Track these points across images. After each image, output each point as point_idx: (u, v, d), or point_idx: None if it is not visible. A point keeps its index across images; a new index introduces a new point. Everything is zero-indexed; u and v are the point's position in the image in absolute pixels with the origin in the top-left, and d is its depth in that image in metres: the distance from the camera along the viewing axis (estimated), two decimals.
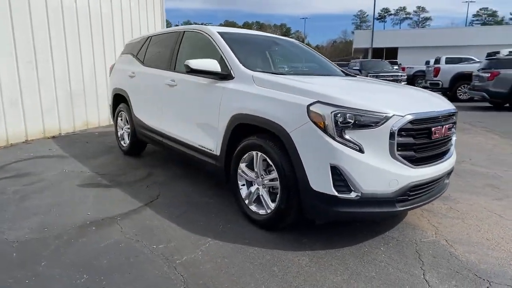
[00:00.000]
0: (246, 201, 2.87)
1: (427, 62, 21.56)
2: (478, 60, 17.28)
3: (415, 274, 2.20)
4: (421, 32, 37.77)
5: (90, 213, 3.00)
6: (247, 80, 2.88)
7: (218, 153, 3.08)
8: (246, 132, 2.86)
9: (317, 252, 2.45)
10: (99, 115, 7.23)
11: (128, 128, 4.79)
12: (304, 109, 2.35)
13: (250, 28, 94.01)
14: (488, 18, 71.08)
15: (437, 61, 19.99)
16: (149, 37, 4.63)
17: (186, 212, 3.07)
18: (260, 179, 2.74)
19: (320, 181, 2.28)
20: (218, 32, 3.44)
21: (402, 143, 2.35)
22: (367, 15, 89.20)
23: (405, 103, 2.54)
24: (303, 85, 2.55)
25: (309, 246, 2.51)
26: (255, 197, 2.81)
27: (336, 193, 2.25)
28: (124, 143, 4.99)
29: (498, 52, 13.35)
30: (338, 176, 2.25)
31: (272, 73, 3.04)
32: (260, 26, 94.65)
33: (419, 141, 2.45)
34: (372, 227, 2.81)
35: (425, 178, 2.47)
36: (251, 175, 2.81)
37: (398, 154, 2.33)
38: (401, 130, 2.32)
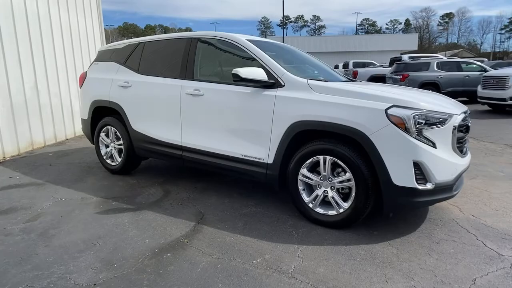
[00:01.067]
0: (311, 205, 2.97)
1: (336, 66, 23.90)
2: (379, 64, 19.92)
3: (479, 245, 2.63)
4: (321, 38, 41.66)
5: (148, 241, 2.71)
6: (302, 87, 2.98)
7: (270, 161, 3.10)
8: (304, 138, 2.96)
9: (394, 241, 2.70)
10: (43, 132, 6.28)
11: (120, 144, 4.35)
12: (382, 113, 2.58)
13: (154, 31, 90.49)
14: (370, 28, 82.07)
15: (346, 65, 22.43)
16: (139, 43, 4.28)
17: (247, 223, 3.01)
18: (328, 182, 2.87)
19: (403, 177, 2.54)
20: (249, 40, 3.44)
21: (457, 138, 2.77)
22: (271, 22, 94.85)
23: (447, 104, 2.98)
24: (369, 91, 2.78)
25: (385, 237, 2.75)
26: (320, 199, 2.93)
27: (417, 186, 2.54)
28: (113, 161, 4.50)
29: (400, 58, 15.65)
30: (419, 170, 2.54)
31: (321, 80, 3.19)
32: (165, 30, 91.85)
33: (462, 135, 2.91)
34: (412, 215, 3.19)
35: (465, 166, 2.94)
36: (316, 179, 2.93)
37: (456, 147, 2.74)
38: (458, 126, 2.74)
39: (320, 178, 2.91)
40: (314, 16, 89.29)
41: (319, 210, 2.94)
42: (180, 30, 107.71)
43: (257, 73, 3.06)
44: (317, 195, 2.94)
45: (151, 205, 3.45)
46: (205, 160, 3.57)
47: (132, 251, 2.56)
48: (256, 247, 2.59)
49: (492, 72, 9.88)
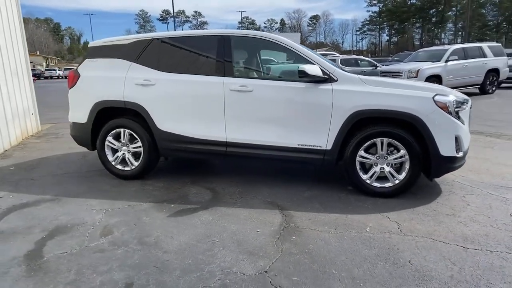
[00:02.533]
0: (368, 181, 3.52)
1: None
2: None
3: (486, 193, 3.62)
4: None
5: (260, 230, 2.84)
6: (355, 81, 3.48)
7: (328, 148, 3.52)
8: (359, 125, 3.48)
9: (436, 200, 3.47)
10: None
11: (138, 147, 4.07)
12: (431, 100, 3.30)
13: None
14: (250, 26, 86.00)
15: None
16: (153, 39, 4.06)
17: (321, 204, 3.38)
18: (384, 160, 3.47)
19: (447, 148, 3.32)
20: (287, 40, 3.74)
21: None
22: (150, 15, 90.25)
23: (453, 91, 3.89)
24: (410, 83, 3.46)
25: (429, 198, 3.50)
26: (377, 175, 3.51)
27: (456, 154, 3.36)
28: (126, 166, 4.17)
29: None
30: (457, 142, 3.36)
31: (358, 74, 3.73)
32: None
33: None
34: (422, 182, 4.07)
35: None
36: (373, 158, 3.49)
37: (468, 124, 3.67)
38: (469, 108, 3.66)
39: (376, 157, 3.49)
40: (196, 12, 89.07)
41: (376, 184, 3.52)
42: (38, 20, 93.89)
43: (316, 70, 3.43)
44: (375, 172, 3.51)
45: (215, 202, 3.47)
46: (253, 153, 3.74)
47: (260, 240, 2.68)
48: (354, 220, 3.01)
49: (389, 67, 12.07)
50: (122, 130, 4.10)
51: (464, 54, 11.71)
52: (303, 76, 3.41)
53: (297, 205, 3.35)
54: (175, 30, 33.60)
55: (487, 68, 12.04)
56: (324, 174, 4.24)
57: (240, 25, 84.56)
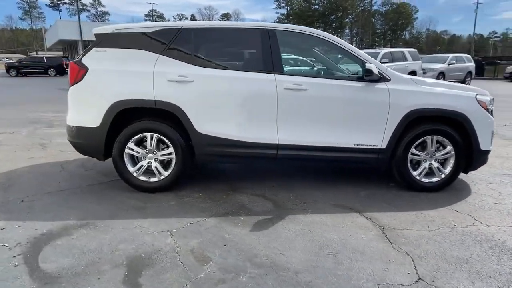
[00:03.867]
0: (418, 177, 3.65)
1: None
2: None
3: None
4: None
5: (373, 232, 2.70)
6: (406, 81, 3.57)
7: (384, 146, 3.55)
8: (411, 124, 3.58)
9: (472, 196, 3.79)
10: None
11: (169, 154, 3.48)
12: (474, 99, 3.57)
13: None
14: (158, 19, 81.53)
15: None
16: (182, 29, 3.50)
17: (389, 203, 3.38)
18: (432, 156, 3.63)
19: (486, 143, 3.64)
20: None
21: None
22: (37, 1, 78.96)
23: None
24: (451, 83, 3.69)
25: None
26: (427, 171, 3.66)
27: (490, 148, 3.71)
28: (152, 176, 3.54)
29: None
30: (491, 137, 3.71)
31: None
32: None
33: None
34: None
35: None
36: (422, 154, 3.63)
37: None
38: None
39: (425, 154, 3.64)
40: (94, 0, 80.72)
41: (425, 179, 3.67)
42: None
43: (374, 69, 3.41)
44: (424, 168, 3.66)
45: (282, 210, 3.19)
46: (306, 155, 3.56)
47: (378, 247, 2.55)
48: (433, 216, 3.09)
49: None
50: (149, 134, 3.46)
51: (391, 57, 13.12)
52: (368, 75, 3.36)
53: (367, 206, 3.29)
54: (71, 18, 29.96)
55: (408, 71, 13.70)
56: (353, 172, 4.26)
57: (147, 18, 79.95)
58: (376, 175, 4.18)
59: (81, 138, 3.51)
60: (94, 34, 3.53)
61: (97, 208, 3.19)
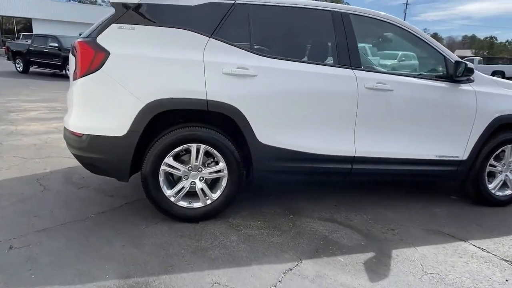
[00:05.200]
0: (494, 190, 3.27)
1: None
2: None
3: None
4: (57, 4, 32.94)
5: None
6: (489, 82, 3.13)
7: (465, 158, 3.09)
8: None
9: None
10: None
11: (219, 171, 2.62)
12: None
13: None
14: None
15: None
16: (235, 4, 2.61)
17: (476, 222, 2.92)
18: (508, 167, 3.27)
19: None
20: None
21: None
22: None
23: None
24: None
25: None
26: (501, 184, 3.29)
27: None
28: (195, 200, 2.65)
29: None
30: None
31: None
32: None
33: None
34: None
35: None
36: (499, 165, 3.24)
37: None
38: None
39: (502, 164, 3.26)
40: None
41: (499, 193, 3.30)
42: None
43: (472, 67, 2.91)
44: (501, 180, 3.28)
45: (375, 241, 2.55)
46: (384, 170, 2.96)
47: None
48: None
49: None
50: (194, 146, 2.55)
51: None
52: (461, 74, 2.85)
53: (462, 230, 2.80)
54: None
55: None
56: (397, 184, 3.78)
57: None
58: (420, 187, 3.75)
59: (97, 152, 2.46)
60: (112, 3, 2.48)
61: (137, 253, 2.23)
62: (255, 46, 2.63)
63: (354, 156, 2.84)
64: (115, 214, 2.76)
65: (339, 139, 2.80)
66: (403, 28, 2.98)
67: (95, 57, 2.36)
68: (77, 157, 2.55)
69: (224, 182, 2.68)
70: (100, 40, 2.40)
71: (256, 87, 2.57)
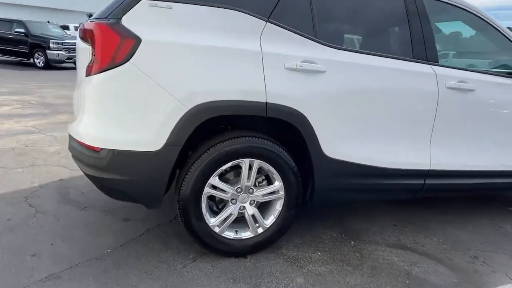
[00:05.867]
0: None
1: (65, 27, 19.49)
2: None
3: None
4: None
5: None
6: None
7: None
8: None
9: None
10: None
11: (274, 192, 2.07)
12: None
13: None
14: None
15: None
16: None
17: None
18: None
19: None
20: None
21: None
22: None
23: None
24: None
25: None
26: None
27: None
28: (244, 229, 2.10)
29: None
30: None
31: None
32: None
33: None
34: None
35: None
36: None
37: None
38: None
39: None
40: None
41: None
42: None
43: None
44: None
45: (472, 281, 2.10)
46: (457, 185, 2.52)
47: None
48: None
49: None
50: (247, 162, 1.98)
51: None
52: None
53: None
54: None
55: None
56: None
57: None
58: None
59: (121, 172, 1.83)
60: None
61: None
62: (320, 34, 2.07)
63: (428, 170, 2.37)
64: (138, 248, 2.15)
65: (414, 150, 2.32)
66: (478, 17, 2.52)
67: (121, 45, 1.72)
68: (92, 178, 1.91)
69: (279, 206, 2.13)
70: (126, 22, 1.76)
71: (324, 86, 2.02)
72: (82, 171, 1.95)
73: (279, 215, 2.14)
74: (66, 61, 12.69)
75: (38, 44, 12.32)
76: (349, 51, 2.11)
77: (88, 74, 1.81)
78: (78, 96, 1.96)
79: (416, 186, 2.40)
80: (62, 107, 6.19)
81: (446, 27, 2.70)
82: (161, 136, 1.80)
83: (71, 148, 2.03)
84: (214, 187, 1.99)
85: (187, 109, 1.78)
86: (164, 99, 1.77)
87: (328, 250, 2.27)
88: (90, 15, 2.16)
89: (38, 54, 12.45)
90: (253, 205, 2.10)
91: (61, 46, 12.36)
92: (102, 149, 1.82)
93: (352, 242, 2.39)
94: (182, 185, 1.91)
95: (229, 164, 1.95)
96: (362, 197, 2.50)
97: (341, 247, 2.33)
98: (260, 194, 2.08)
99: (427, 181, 2.40)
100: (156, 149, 1.80)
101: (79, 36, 2.00)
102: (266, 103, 1.90)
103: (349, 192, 2.30)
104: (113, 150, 1.79)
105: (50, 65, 12.40)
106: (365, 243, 2.40)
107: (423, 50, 2.28)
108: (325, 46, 2.05)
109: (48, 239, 2.18)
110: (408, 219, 2.78)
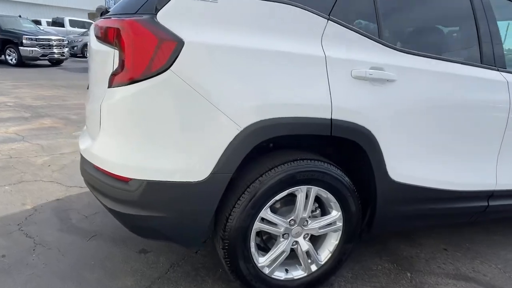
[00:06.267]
0: None
1: (37, 22, 18.38)
2: None
3: None
4: None
5: None
6: None
7: None
8: None
9: None
10: None
11: (330, 224, 1.74)
12: None
13: None
14: None
15: (58, 22, 18.01)
16: None
17: None
18: None
19: None
20: None
21: None
22: None
23: None
24: None
25: None
26: None
27: None
28: (296, 268, 1.76)
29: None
30: None
31: None
32: None
33: None
34: None
35: None
36: None
37: None
38: None
39: None
40: None
41: None
42: None
43: None
44: None
45: None
46: None
47: None
48: None
49: None
50: (304, 189, 1.64)
51: None
52: None
53: None
54: None
55: None
56: None
57: None
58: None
59: (157, 207, 1.44)
60: None
61: None
62: (383, 34, 1.75)
63: (493, 190, 2.11)
64: None
65: (482, 169, 2.04)
66: None
67: (159, 49, 1.34)
68: (118, 215, 1.52)
69: (335, 239, 1.81)
70: (162, 18, 1.38)
71: (394, 97, 1.71)
72: (104, 204, 1.55)
73: (335, 250, 1.82)
74: (41, 58, 11.88)
75: (10, 40, 11.46)
76: (419, 56, 1.80)
77: (112, 84, 1.42)
78: (94, 110, 1.57)
79: (478, 208, 2.13)
80: (43, 110, 5.64)
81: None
82: (207, 163, 1.43)
83: (85, 174, 1.64)
84: (264, 220, 1.64)
85: (240, 129, 1.42)
86: (212, 117, 1.41)
87: (385, 285, 1.97)
88: (106, 10, 1.75)
89: (10, 51, 11.59)
90: (307, 239, 1.77)
91: (35, 42, 11.54)
92: (131, 179, 1.43)
93: (409, 274, 2.10)
94: (228, 220, 1.55)
95: (284, 193, 1.61)
96: (422, 223, 2.21)
97: (397, 280, 2.03)
98: (316, 226, 1.74)
99: (491, 203, 2.13)
100: (201, 179, 1.44)
101: (96, 35, 1.60)
102: (332, 119, 1.56)
103: (411, 218, 2.01)
104: (147, 181, 1.41)
105: (23, 62, 11.57)
106: (422, 274, 2.11)
107: (491, 54, 2.00)
108: (393, 50, 1.73)
109: (56, 284, 1.78)
110: (454, 240, 2.51)
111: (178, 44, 1.35)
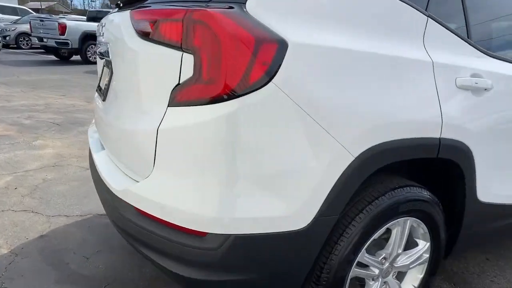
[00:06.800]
0: None
1: None
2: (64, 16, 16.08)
3: None
4: None
5: None
6: None
7: None
8: None
9: None
10: None
11: (419, 259, 1.48)
12: None
13: None
14: None
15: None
16: None
17: None
18: None
19: None
20: None
21: None
22: None
23: None
24: None
25: None
26: None
27: None
28: None
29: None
30: None
31: None
32: None
33: None
34: None
35: None
36: None
37: None
38: None
39: None
40: None
41: None
42: None
43: None
44: None
45: None
46: None
47: None
48: None
49: None
50: (401, 222, 1.35)
51: None
52: None
53: None
54: None
55: None
56: None
57: None
58: None
59: (245, 268, 1.06)
60: None
61: None
62: (474, 37, 1.51)
63: None
64: None
65: None
66: None
67: (258, 53, 0.95)
68: (191, 282, 1.10)
69: (420, 272, 1.56)
70: (253, 10, 0.99)
71: (491, 109, 1.48)
72: (161, 266, 1.12)
73: (420, 284, 1.56)
74: None
75: None
76: (497, 58, 1.58)
77: (181, 101, 1.00)
78: (128, 133, 1.13)
79: None
80: None
81: None
82: (312, 204, 1.08)
83: (123, 221, 1.19)
84: (363, 265, 1.33)
85: (352, 158, 1.09)
86: (321, 144, 1.05)
87: None
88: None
89: None
90: (394, 277, 1.49)
91: None
92: (208, 233, 1.03)
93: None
94: (323, 271, 1.22)
95: (384, 229, 1.31)
96: (497, 239, 2.05)
97: None
98: (407, 262, 1.47)
99: None
100: (303, 226, 1.08)
101: (137, 30, 1.15)
102: (440, 139, 1.29)
103: (490, 237, 1.82)
104: (235, 236, 1.02)
105: None
106: None
107: None
108: (485, 55, 1.50)
109: None
110: (497, 251, 2.41)
111: (279, 46, 0.97)
